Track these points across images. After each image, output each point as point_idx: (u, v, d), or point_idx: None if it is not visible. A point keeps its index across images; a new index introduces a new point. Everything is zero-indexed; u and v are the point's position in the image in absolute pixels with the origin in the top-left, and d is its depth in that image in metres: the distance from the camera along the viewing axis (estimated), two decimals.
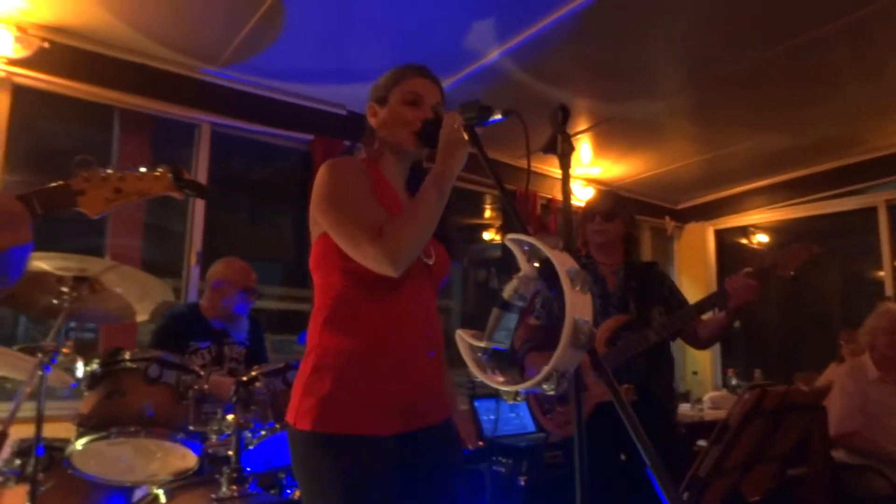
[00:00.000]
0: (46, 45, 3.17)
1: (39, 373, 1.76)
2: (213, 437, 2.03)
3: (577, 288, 1.03)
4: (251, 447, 2.14)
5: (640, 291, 2.50)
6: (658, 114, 4.29)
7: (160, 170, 1.20)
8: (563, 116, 1.22)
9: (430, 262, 1.53)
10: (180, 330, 2.76)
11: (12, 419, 1.54)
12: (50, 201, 1.10)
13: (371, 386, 1.41)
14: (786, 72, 3.65)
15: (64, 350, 1.80)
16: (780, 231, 5.96)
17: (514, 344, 2.48)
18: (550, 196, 5.29)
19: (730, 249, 6.26)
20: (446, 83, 3.69)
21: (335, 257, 1.44)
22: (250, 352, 2.97)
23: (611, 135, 4.64)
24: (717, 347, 6.03)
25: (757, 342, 6.12)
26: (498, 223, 5.91)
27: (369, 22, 3.19)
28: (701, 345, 2.51)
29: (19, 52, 3.10)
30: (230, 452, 2.21)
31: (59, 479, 2.07)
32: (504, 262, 5.62)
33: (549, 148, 1.21)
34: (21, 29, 3.09)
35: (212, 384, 2.19)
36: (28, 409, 2.04)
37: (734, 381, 5.34)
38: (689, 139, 4.84)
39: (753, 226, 6.11)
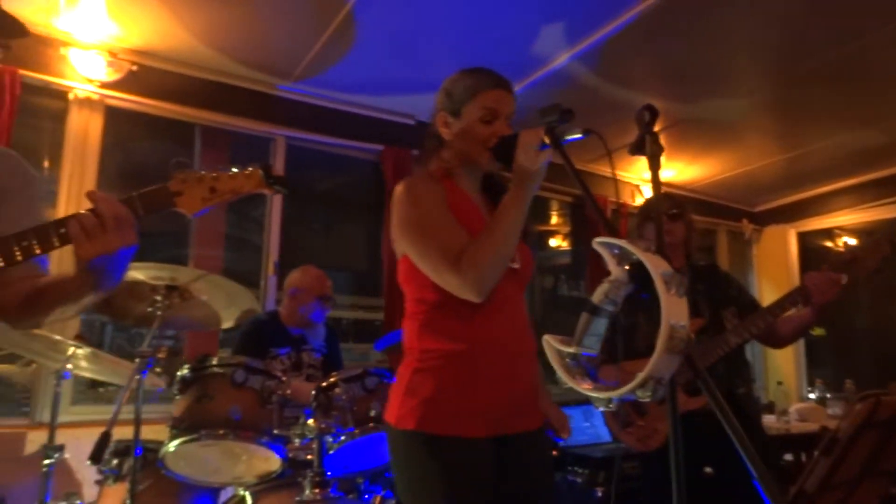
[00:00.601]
0: (135, 68, 3.36)
1: (137, 377, 1.85)
2: (296, 441, 2.07)
3: (673, 291, 1.00)
4: (331, 451, 2.17)
5: (709, 294, 2.40)
6: (735, 112, 4.13)
7: (250, 168, 1.24)
8: (650, 117, 1.18)
9: (517, 266, 1.53)
10: (261, 337, 2.84)
11: (115, 420, 1.62)
12: (151, 203, 1.15)
13: (472, 388, 1.44)
14: (873, 64, 3.45)
15: (159, 355, 1.88)
16: (868, 233, 5.61)
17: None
18: (621, 200, 5.17)
19: (814, 253, 5.94)
20: (516, 88, 3.72)
21: (424, 273, 1.47)
22: (327, 359, 3.03)
23: (685, 136, 4.50)
24: (801, 356, 5.73)
25: (846, 350, 5.77)
26: (565, 230, 5.83)
27: (438, 31, 3.22)
28: (780, 343, 2.36)
29: (111, 76, 3.30)
30: (310, 457, 2.27)
31: (154, 479, 2.17)
32: (573, 269, 5.53)
33: (637, 149, 1.18)
34: (112, 54, 3.29)
35: (293, 389, 2.25)
36: (123, 411, 2.16)
37: (821, 393, 5.04)
38: (768, 138, 4.64)
39: (839, 228, 5.78)
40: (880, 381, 4.78)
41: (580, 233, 5.26)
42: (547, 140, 1.38)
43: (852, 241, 5.79)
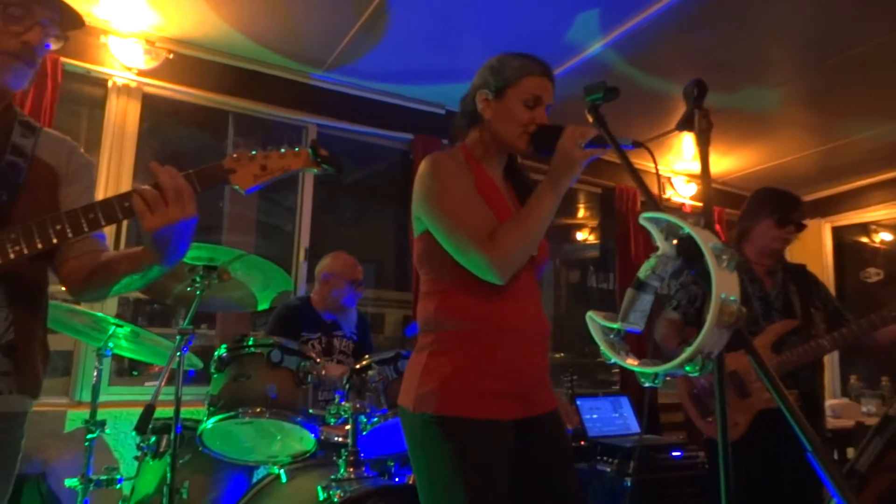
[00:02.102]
0: (172, 56, 3.42)
1: (178, 354, 1.89)
2: (332, 421, 2.10)
3: (724, 264, 0.99)
4: (364, 433, 2.19)
5: (801, 295, 2.38)
6: (770, 103, 4.06)
7: (299, 147, 1.27)
8: (698, 92, 1.17)
9: (534, 253, 1.52)
10: (294, 321, 2.88)
11: (158, 393, 1.66)
12: (207, 179, 1.19)
13: (489, 370, 1.43)
14: None
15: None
16: None
17: (667, 345, 2.43)
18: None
19: (848, 248, 5.82)
20: None
21: (442, 251, 1.46)
22: (358, 346, 3.06)
23: (718, 127, 4.27)
24: (834, 353, 5.63)
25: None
26: (593, 223, 5.79)
27: (471, 20, 3.22)
28: (868, 349, 2.37)
29: (149, 64, 3.37)
30: (340, 439, 2.29)
31: (191, 456, 2.22)
32: (602, 261, 5.50)
33: (686, 125, 1.17)
34: (150, 42, 3.35)
35: (327, 370, 2.28)
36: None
37: (855, 390, 4.95)
38: (804, 129, 4.55)
39: (875, 223, 5.65)
40: None
41: (608, 225, 5.22)
42: (590, 118, 1.38)
43: (888, 237, 5.66)
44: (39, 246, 1.12)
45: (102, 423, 2.32)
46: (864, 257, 5.74)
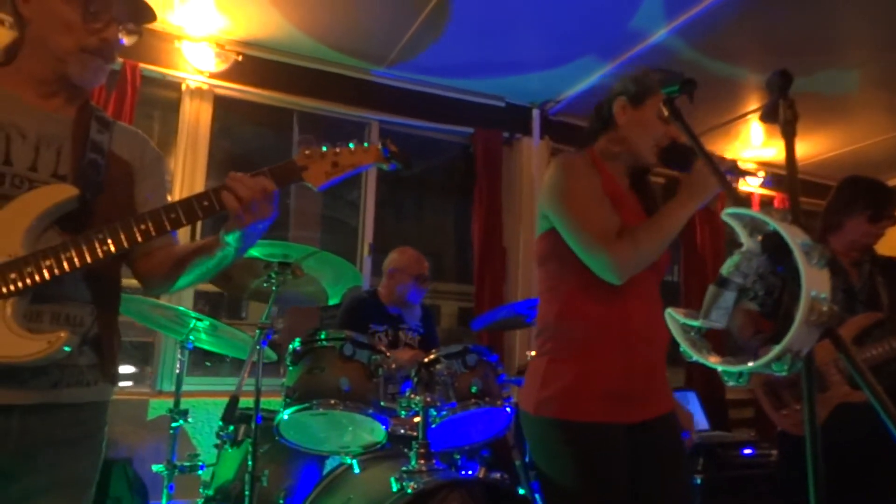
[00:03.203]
0: (240, 58, 3.53)
1: (258, 347, 1.97)
2: (402, 413, 2.14)
3: (814, 262, 0.96)
4: (434, 425, 2.23)
5: (889, 288, 2.27)
6: (845, 85, 3.87)
7: (369, 143, 1.29)
8: (783, 82, 1.14)
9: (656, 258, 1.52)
10: (362, 314, 2.95)
11: (241, 385, 1.74)
12: (282, 177, 1.23)
13: (610, 375, 1.46)
14: None
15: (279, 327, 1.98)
16: None
17: (741, 336, 2.38)
18: None
19: None
20: (612, 65, 3.65)
21: (568, 250, 1.48)
22: (423, 339, 3.10)
23: None
24: None
25: None
26: None
27: (533, 11, 3.19)
28: None
29: (219, 66, 3.49)
30: (404, 431, 2.34)
31: (269, 445, 2.30)
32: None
33: (770, 115, 1.14)
34: (220, 46, 3.47)
35: (396, 359, 2.32)
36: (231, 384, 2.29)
37: None
38: (882, 112, 4.32)
39: None
40: None
41: None
42: (665, 111, 1.36)
43: None
44: (126, 245, 1.16)
45: (185, 413, 2.44)
46: None
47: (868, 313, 2.20)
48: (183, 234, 1.43)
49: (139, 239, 1.17)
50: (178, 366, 2.52)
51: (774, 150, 4.96)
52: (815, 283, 0.96)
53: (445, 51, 3.63)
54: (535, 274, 1.63)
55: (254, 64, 3.60)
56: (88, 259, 1.14)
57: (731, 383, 1.08)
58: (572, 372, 1.46)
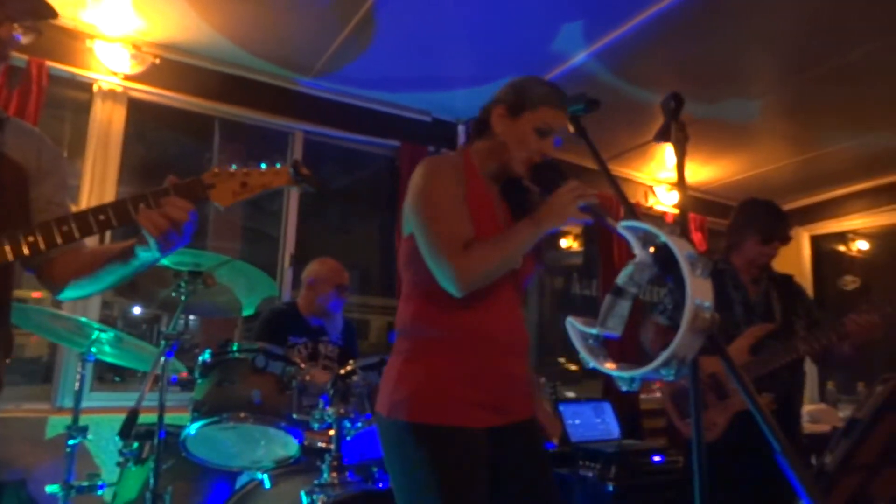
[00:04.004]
0: (158, 61, 3.41)
1: (162, 359, 1.89)
2: (315, 426, 2.10)
3: (698, 272, 1.02)
4: (348, 438, 2.20)
5: (782, 301, 2.46)
6: (751, 114, 4.14)
7: (280, 165, 1.27)
8: (675, 104, 1.21)
9: (517, 266, 1.52)
10: (280, 326, 2.89)
11: (142, 398, 1.66)
12: (186, 194, 1.20)
13: (464, 378, 1.44)
14: (891, 66, 3.44)
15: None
16: (882, 237, 5.60)
17: (653, 349, 2.49)
18: (634, 201, 5.19)
19: (827, 257, 5.93)
20: None
21: None
22: (343, 351, 3.06)
23: (699, 136, 4.49)
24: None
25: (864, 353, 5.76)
26: (576, 230, 5.84)
27: (457, 29, 3.25)
28: (836, 362, 2.43)
29: (134, 68, 3.36)
30: (323, 444, 2.30)
31: (174, 462, 2.21)
32: (586, 268, 5.55)
33: (663, 136, 1.21)
34: (136, 47, 3.34)
35: (312, 375, 2.28)
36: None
37: (832, 395, 5.03)
38: (783, 140, 4.64)
39: (853, 231, 5.76)
40: None
41: (592, 232, 5.28)
42: (571, 128, 1.42)
43: (865, 246, 5.77)
44: (10, 258, 1.12)
45: (85, 429, 2.31)
46: (842, 265, 5.85)
47: (762, 324, 2.37)
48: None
49: (26, 251, 1.12)
50: (77, 380, 2.38)
51: (688, 172, 5.22)
52: (699, 291, 1.01)
53: (372, 63, 3.64)
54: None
55: (172, 67, 3.49)
56: None
57: (624, 388, 1.13)
58: (424, 372, 1.43)
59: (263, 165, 1.27)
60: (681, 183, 1.19)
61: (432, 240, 1.43)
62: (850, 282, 5.63)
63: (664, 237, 1.07)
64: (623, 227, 1.15)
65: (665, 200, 5.38)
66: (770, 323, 2.41)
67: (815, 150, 4.68)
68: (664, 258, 1.09)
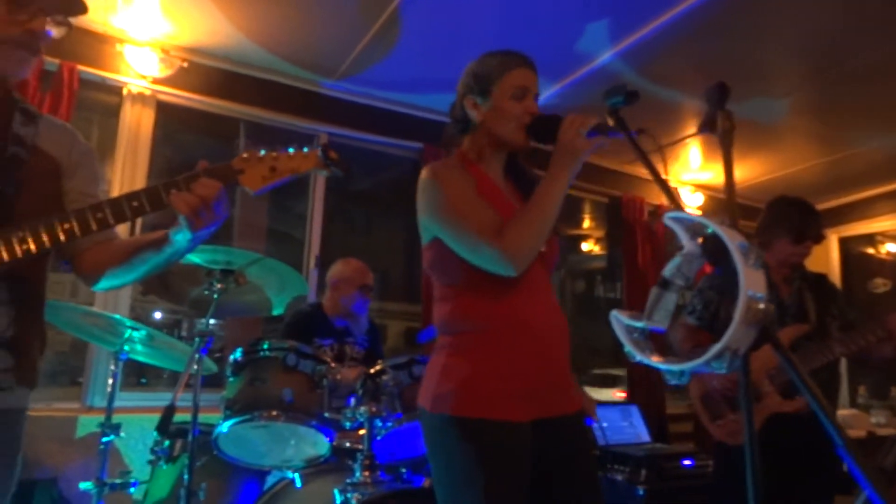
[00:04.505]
0: (186, 64, 3.45)
1: (197, 356, 1.90)
2: (347, 425, 2.10)
3: (751, 262, 1.00)
4: (379, 437, 2.19)
5: (816, 302, 2.39)
6: (777, 113, 4.09)
7: (308, 149, 1.27)
8: (721, 94, 1.19)
9: (544, 250, 1.51)
10: (306, 327, 2.89)
11: (178, 395, 1.67)
12: (217, 178, 1.19)
13: (508, 370, 1.43)
14: None
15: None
16: None
17: (682, 348, 2.44)
18: (658, 202, 5.14)
19: (855, 259, 5.83)
20: (557, 86, 3.74)
21: (454, 255, 1.46)
22: (369, 353, 3.06)
23: None
24: (843, 362, 5.62)
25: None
26: (598, 233, 5.80)
27: (481, 30, 3.25)
28: (875, 367, 2.37)
29: (163, 72, 3.40)
30: (349, 444, 2.30)
31: (206, 460, 2.22)
32: (609, 271, 5.50)
33: (708, 126, 1.18)
34: (165, 51, 3.39)
35: (342, 375, 2.28)
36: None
37: (864, 400, 4.93)
38: (811, 140, 4.57)
39: (881, 234, 5.66)
40: None
41: (616, 234, 5.23)
42: (611, 122, 1.40)
43: (894, 248, 5.66)
44: (47, 245, 1.12)
45: (117, 427, 2.32)
46: (871, 268, 5.75)
47: (796, 325, 2.32)
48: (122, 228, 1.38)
49: (62, 238, 1.13)
50: (110, 379, 2.39)
51: (711, 174, 5.18)
52: (752, 282, 0.99)
53: (396, 65, 3.65)
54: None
55: (199, 71, 3.52)
56: (5, 257, 1.09)
57: (673, 382, 1.11)
58: (470, 366, 1.42)
59: (291, 150, 1.26)
60: (728, 173, 1.17)
61: (466, 236, 1.43)
62: (881, 284, 5.53)
63: (714, 227, 1.05)
64: (669, 217, 1.13)
65: (689, 202, 5.32)
66: (804, 324, 2.35)
67: (844, 150, 4.61)
68: (713, 249, 1.07)
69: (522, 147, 1.57)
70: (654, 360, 1.12)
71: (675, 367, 1.08)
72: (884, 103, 3.89)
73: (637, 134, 1.37)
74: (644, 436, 3.53)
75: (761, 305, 0.98)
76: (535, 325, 1.47)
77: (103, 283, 1.35)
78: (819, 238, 2.46)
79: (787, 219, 2.46)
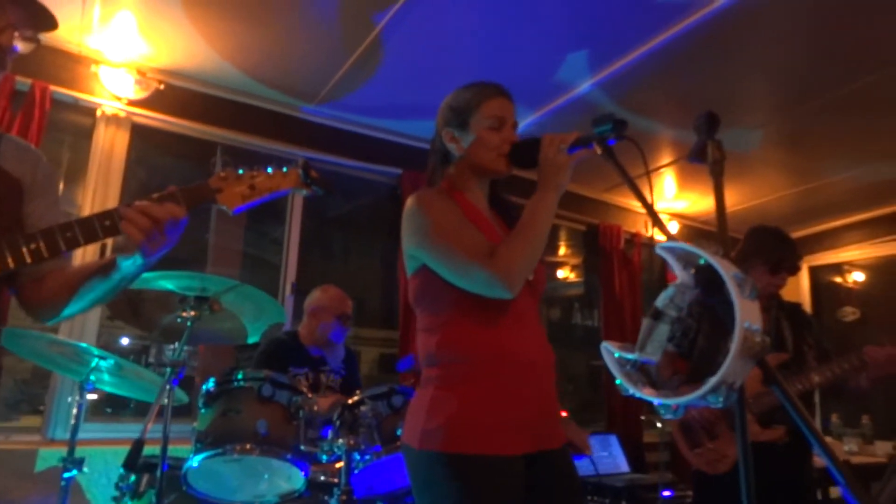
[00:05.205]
0: (162, 86, 3.40)
1: (168, 387, 1.82)
2: (324, 458, 2.03)
3: (746, 293, 0.98)
4: (357, 470, 2.13)
5: (793, 331, 2.40)
6: (751, 144, 4.17)
7: (288, 167, 1.25)
8: (710, 123, 1.19)
9: (531, 278, 1.50)
10: (281, 356, 2.81)
11: (147, 428, 1.59)
12: (193, 198, 1.17)
13: (498, 403, 1.39)
14: (888, 98, 3.49)
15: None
16: (879, 268, 5.61)
17: (661, 376, 2.41)
18: (634, 230, 5.18)
19: (825, 288, 5.93)
20: (537, 114, 3.76)
21: (444, 284, 1.43)
22: (345, 381, 2.99)
23: (698, 167, 4.50)
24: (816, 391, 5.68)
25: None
26: (574, 260, 5.82)
27: (463, 58, 3.27)
28: (847, 398, 2.38)
29: (138, 94, 3.34)
30: (323, 478, 2.22)
31: (175, 496, 2.12)
32: (586, 299, 5.51)
33: (697, 156, 1.18)
34: (141, 73, 3.33)
35: (319, 405, 2.21)
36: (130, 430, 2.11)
37: (837, 428, 4.97)
38: (782, 170, 4.67)
39: (849, 263, 5.78)
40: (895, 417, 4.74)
41: (593, 262, 5.25)
42: (598, 150, 1.39)
43: (861, 277, 5.78)
44: (11, 265, 1.06)
45: (80, 462, 2.21)
46: (840, 297, 5.85)
47: (775, 354, 2.32)
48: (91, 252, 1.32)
49: (28, 259, 1.07)
50: (74, 410, 2.29)
51: (686, 203, 5.25)
52: (748, 313, 0.97)
53: (377, 91, 3.64)
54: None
55: (177, 93, 3.47)
56: None
57: (667, 416, 1.08)
58: (459, 399, 1.38)
59: (270, 169, 1.23)
60: (719, 203, 1.16)
61: (457, 259, 1.40)
62: (850, 313, 5.62)
63: (707, 258, 1.04)
64: (662, 248, 1.12)
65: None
66: (782, 353, 2.36)
67: (815, 180, 4.71)
68: (706, 279, 1.05)
69: (504, 174, 1.57)
70: (647, 394, 1.09)
71: (671, 401, 1.05)
72: (852, 135, 4.00)
73: (616, 140, 1.40)
74: (623, 465, 3.50)
75: (757, 338, 0.97)
76: (524, 355, 1.45)
77: (48, 315, 1.28)
78: (794, 270, 2.49)
79: (763, 249, 2.48)
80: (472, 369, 1.41)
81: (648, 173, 1.40)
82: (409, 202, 1.49)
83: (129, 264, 1.17)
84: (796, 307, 2.59)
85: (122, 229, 1.10)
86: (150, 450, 1.99)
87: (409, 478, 1.43)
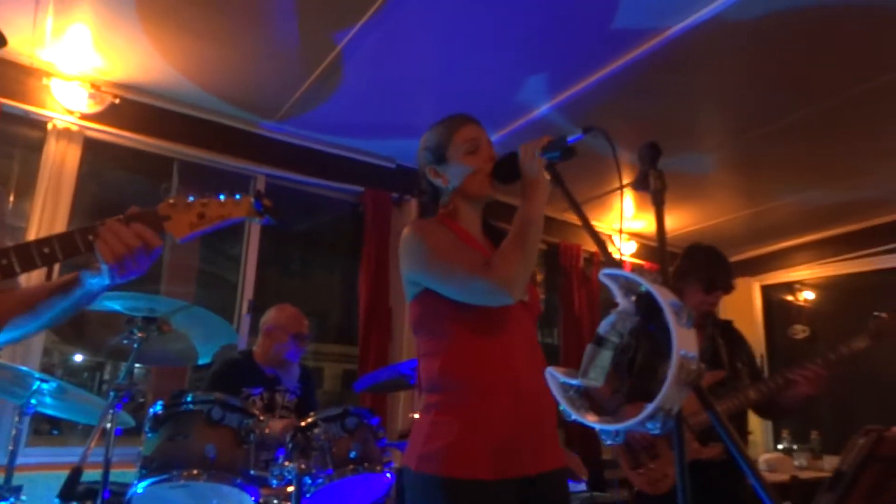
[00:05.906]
0: (117, 100, 3.34)
1: (111, 412, 1.76)
2: (274, 482, 1.99)
3: (683, 321, 1.01)
4: (308, 495, 2.09)
5: (728, 348, 2.45)
6: (704, 167, 4.29)
7: (241, 195, 1.23)
8: (652, 153, 1.22)
9: (526, 300, 1.54)
10: (234, 376, 2.76)
11: (87, 454, 1.54)
12: (141, 224, 1.13)
13: (497, 427, 1.42)
14: (837, 125, 3.64)
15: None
16: (827, 288, 5.80)
17: (601, 394, 2.44)
18: (593, 250, 5.26)
19: (777, 306, 6.10)
20: (498, 135, 3.80)
21: (444, 309, 1.47)
22: (301, 400, 2.95)
23: None
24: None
25: (811, 402, 5.88)
26: (536, 278, 5.87)
27: (425, 78, 3.30)
28: (779, 412, 2.43)
29: (92, 108, 3.28)
30: (280, 503, 2.18)
31: None
32: (546, 317, 5.55)
33: (641, 185, 1.21)
34: (95, 86, 3.27)
35: (271, 428, 2.17)
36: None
37: (787, 444, 5.10)
38: (734, 193, 4.82)
39: (800, 282, 5.96)
40: (844, 432, 4.87)
41: (553, 281, 5.31)
42: (548, 175, 1.42)
43: (811, 295, 5.96)
44: None
45: (18, 490, 2.12)
46: (791, 314, 6.02)
47: (712, 372, 2.36)
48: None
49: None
50: (13, 434, 2.20)
51: (644, 223, 5.36)
52: (684, 341, 0.99)
53: (338, 110, 3.64)
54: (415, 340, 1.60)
55: (132, 107, 3.41)
56: None
57: (608, 442, 1.09)
58: (458, 424, 1.41)
59: (222, 196, 1.21)
60: (660, 231, 1.19)
61: (456, 273, 1.44)
62: (800, 331, 5.79)
63: (647, 285, 1.06)
64: (604, 274, 1.14)
65: (624, 249, 5.47)
66: (718, 370, 2.40)
67: (764, 203, 4.87)
68: (646, 306, 1.07)
69: (493, 194, 1.61)
70: (590, 420, 1.10)
71: (611, 427, 1.06)
72: (801, 160, 4.15)
73: (588, 134, 1.43)
74: (582, 483, 3.51)
75: (693, 365, 0.99)
76: (524, 380, 1.47)
77: (2, 336, 1.23)
78: (728, 289, 2.51)
79: (698, 268, 2.51)
80: (472, 394, 1.44)
81: (622, 187, 1.41)
82: (406, 231, 1.54)
83: (95, 283, 1.14)
84: (728, 325, 2.63)
85: (96, 248, 1.08)
86: (93, 475, 1.93)
87: (407, 498, 1.45)
